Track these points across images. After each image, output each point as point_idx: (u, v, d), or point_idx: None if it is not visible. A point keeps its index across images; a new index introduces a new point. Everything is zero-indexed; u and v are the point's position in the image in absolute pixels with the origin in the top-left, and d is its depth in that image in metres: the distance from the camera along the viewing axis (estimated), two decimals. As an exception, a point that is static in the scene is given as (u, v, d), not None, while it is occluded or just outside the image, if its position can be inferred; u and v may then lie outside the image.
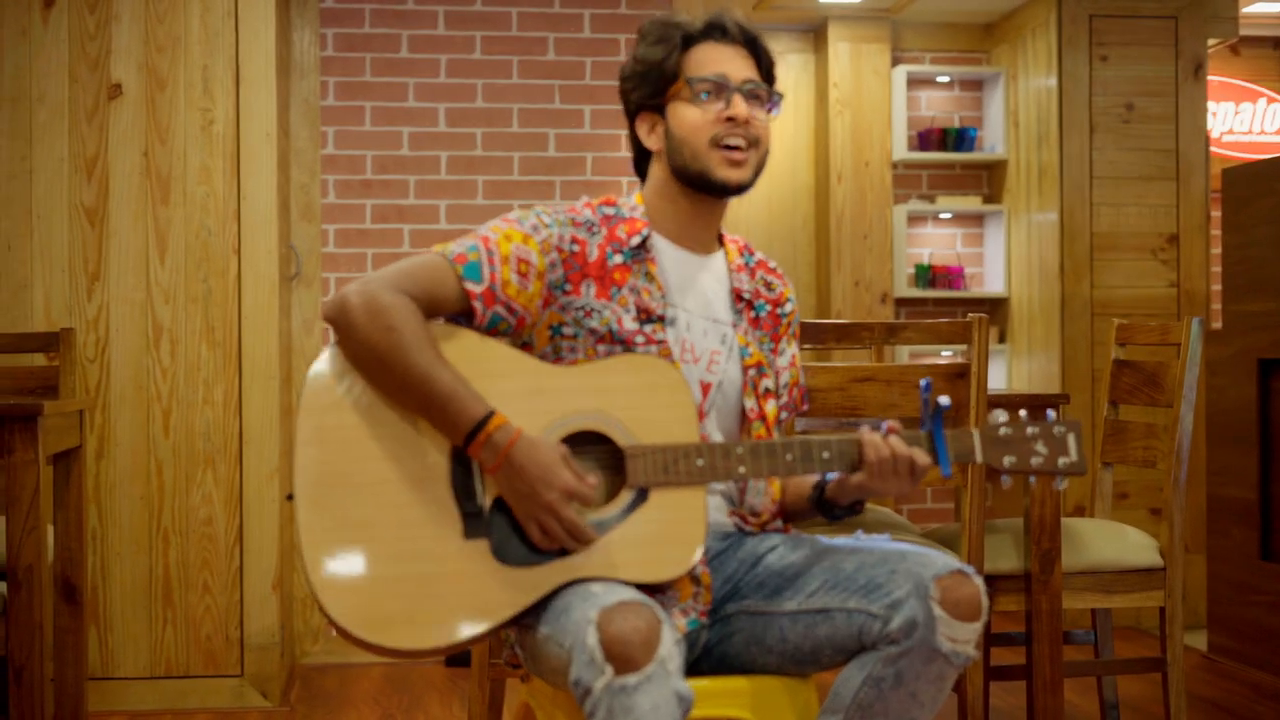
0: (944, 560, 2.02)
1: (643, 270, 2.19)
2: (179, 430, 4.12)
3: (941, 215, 5.90)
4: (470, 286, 2.08)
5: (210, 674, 4.12)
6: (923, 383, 2.14)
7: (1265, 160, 4.68)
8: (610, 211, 2.22)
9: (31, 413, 2.86)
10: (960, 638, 1.98)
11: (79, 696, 3.33)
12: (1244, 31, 6.10)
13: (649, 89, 2.22)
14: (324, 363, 2.04)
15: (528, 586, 1.99)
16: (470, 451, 2.00)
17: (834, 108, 5.75)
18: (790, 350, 2.34)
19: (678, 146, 2.19)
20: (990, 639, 3.53)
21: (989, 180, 5.94)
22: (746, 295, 2.28)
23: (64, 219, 4.11)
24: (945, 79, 5.91)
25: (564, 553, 2.01)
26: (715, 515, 2.21)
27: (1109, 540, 3.28)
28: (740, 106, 2.17)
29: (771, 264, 2.37)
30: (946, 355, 5.63)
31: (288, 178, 4.76)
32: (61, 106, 4.12)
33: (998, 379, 5.68)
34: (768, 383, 2.27)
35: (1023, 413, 2.19)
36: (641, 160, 2.30)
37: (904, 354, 5.65)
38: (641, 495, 2.05)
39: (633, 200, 2.26)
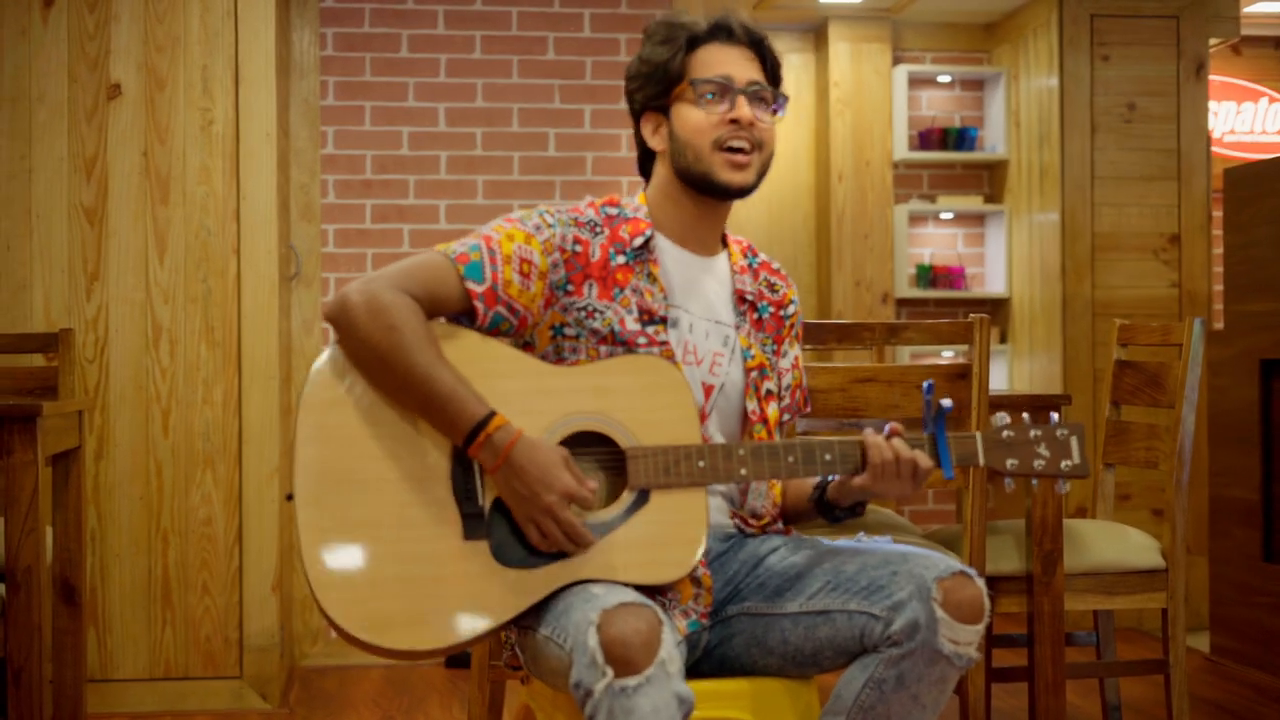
0: (946, 562, 2.01)
1: (645, 271, 2.18)
2: (178, 431, 4.11)
3: (942, 215, 5.89)
4: (472, 286, 2.07)
5: (209, 675, 4.11)
6: (925, 385, 2.14)
7: (1267, 160, 4.67)
8: (613, 211, 2.22)
9: (30, 413, 2.86)
10: (962, 639, 1.97)
11: (78, 698, 3.32)
12: (1245, 31, 6.09)
13: (653, 89, 2.21)
14: (325, 361, 2.04)
15: (528, 588, 1.99)
16: (470, 452, 1.99)
17: (835, 107, 5.74)
18: (793, 352, 2.34)
19: (681, 148, 2.18)
20: (992, 640, 3.53)
21: (990, 180, 5.93)
22: (749, 297, 2.27)
23: (63, 219, 4.10)
24: (946, 79, 5.91)
25: (563, 555, 2.00)
26: (716, 517, 2.21)
27: (1111, 541, 3.27)
28: (744, 109, 2.16)
29: (775, 265, 2.36)
30: (948, 356, 5.63)
31: (287, 178, 4.75)
32: (61, 106, 4.11)
33: (999, 379, 5.67)
34: (770, 385, 2.26)
35: (1025, 415, 2.18)
36: (646, 160, 2.29)
37: (905, 354, 5.64)
38: (643, 497, 2.04)
39: (636, 200, 2.25)
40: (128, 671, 4.09)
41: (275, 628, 4.14)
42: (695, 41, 2.20)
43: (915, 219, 5.88)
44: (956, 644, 1.97)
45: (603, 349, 2.13)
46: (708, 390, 2.19)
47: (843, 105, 5.73)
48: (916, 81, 5.87)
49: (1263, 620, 4.44)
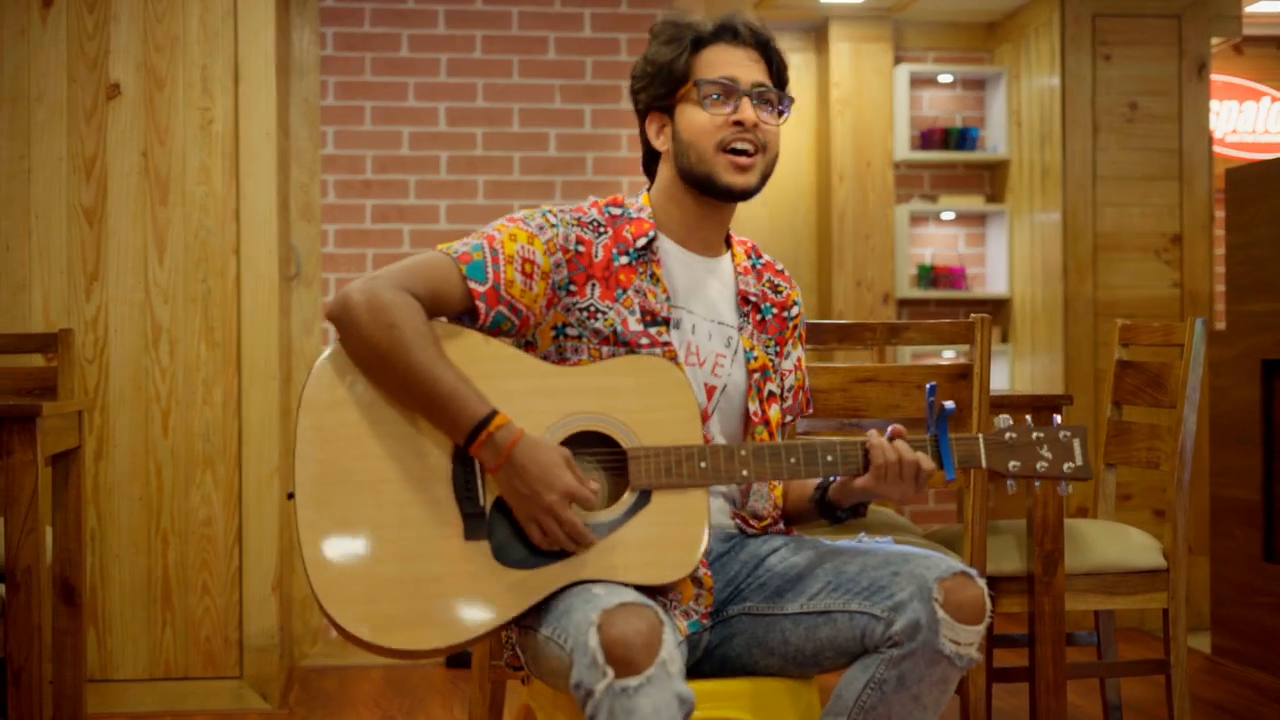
0: (947, 562, 2.01)
1: (648, 272, 2.18)
2: (178, 431, 4.11)
3: (944, 215, 5.89)
4: (474, 286, 2.07)
5: (209, 676, 4.11)
6: (928, 387, 2.13)
7: (1269, 160, 4.66)
8: (617, 212, 2.21)
9: (30, 414, 2.85)
10: (963, 640, 1.97)
11: (78, 698, 3.32)
12: (1247, 31, 6.09)
13: (658, 89, 2.21)
14: (326, 361, 2.03)
15: (528, 588, 1.99)
16: (472, 451, 1.99)
17: (835, 107, 5.73)
18: (796, 353, 2.33)
19: (684, 149, 2.18)
20: (993, 641, 3.52)
21: (991, 180, 5.93)
22: (753, 298, 2.27)
23: (62, 219, 4.10)
24: (947, 78, 5.90)
25: (565, 554, 2.00)
26: (717, 517, 2.20)
27: (1112, 541, 3.26)
28: (748, 111, 2.16)
29: (779, 266, 2.35)
30: (949, 356, 5.62)
31: (287, 177, 4.75)
32: (60, 106, 4.10)
33: (1000, 380, 5.67)
34: (772, 386, 2.25)
35: (1028, 418, 2.18)
36: (650, 160, 2.29)
37: (906, 354, 5.64)
38: (644, 497, 2.03)
39: (640, 201, 2.25)
40: (128, 672, 4.08)
41: (275, 628, 4.14)
42: (700, 42, 2.20)
43: (916, 219, 5.87)
44: (958, 644, 1.97)
45: (605, 349, 2.12)
46: (710, 391, 2.19)
47: (844, 105, 5.73)
48: (918, 81, 5.86)
49: (1264, 620, 4.44)
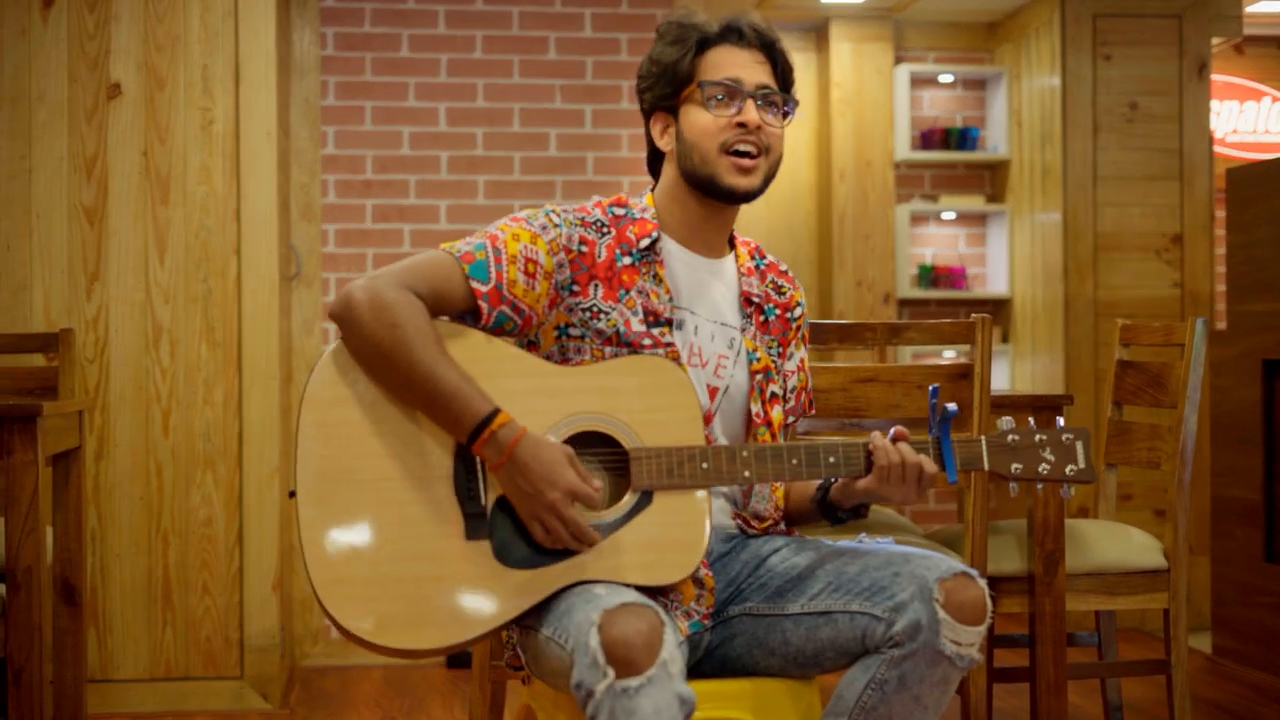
0: (947, 563, 2.01)
1: (651, 273, 2.17)
2: (179, 431, 4.11)
3: (944, 215, 5.88)
4: (476, 285, 2.07)
5: (210, 676, 4.10)
6: (931, 389, 2.13)
7: (1270, 160, 4.66)
8: (621, 212, 2.21)
9: (31, 413, 2.85)
10: (964, 641, 1.97)
11: (78, 698, 3.32)
12: (1248, 31, 6.08)
13: (663, 90, 2.21)
14: (328, 359, 2.04)
15: (529, 588, 1.99)
16: (474, 448, 1.99)
17: (836, 107, 5.73)
18: (799, 354, 2.33)
19: (688, 150, 2.18)
20: (993, 641, 3.52)
21: (992, 180, 5.92)
22: (756, 299, 2.27)
23: (63, 219, 4.10)
24: (948, 78, 5.90)
25: (566, 554, 2.00)
26: (719, 517, 2.20)
27: (1113, 542, 3.26)
28: (752, 113, 2.16)
29: (783, 267, 2.35)
30: (949, 356, 5.62)
31: (288, 177, 4.74)
32: (61, 106, 4.10)
33: (1001, 380, 5.66)
34: (774, 388, 2.25)
35: (1031, 420, 2.18)
36: (655, 160, 2.29)
37: (907, 354, 5.64)
38: (646, 498, 2.03)
39: (644, 201, 2.24)
40: (128, 672, 4.08)
41: (276, 628, 4.13)
42: (706, 43, 2.20)
43: (917, 219, 5.87)
44: (958, 645, 1.97)
45: (608, 350, 2.12)
46: (712, 392, 2.19)
47: (844, 105, 5.73)
48: (918, 81, 5.86)
49: (1264, 620, 4.43)
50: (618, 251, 2.17)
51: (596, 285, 2.14)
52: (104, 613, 4.07)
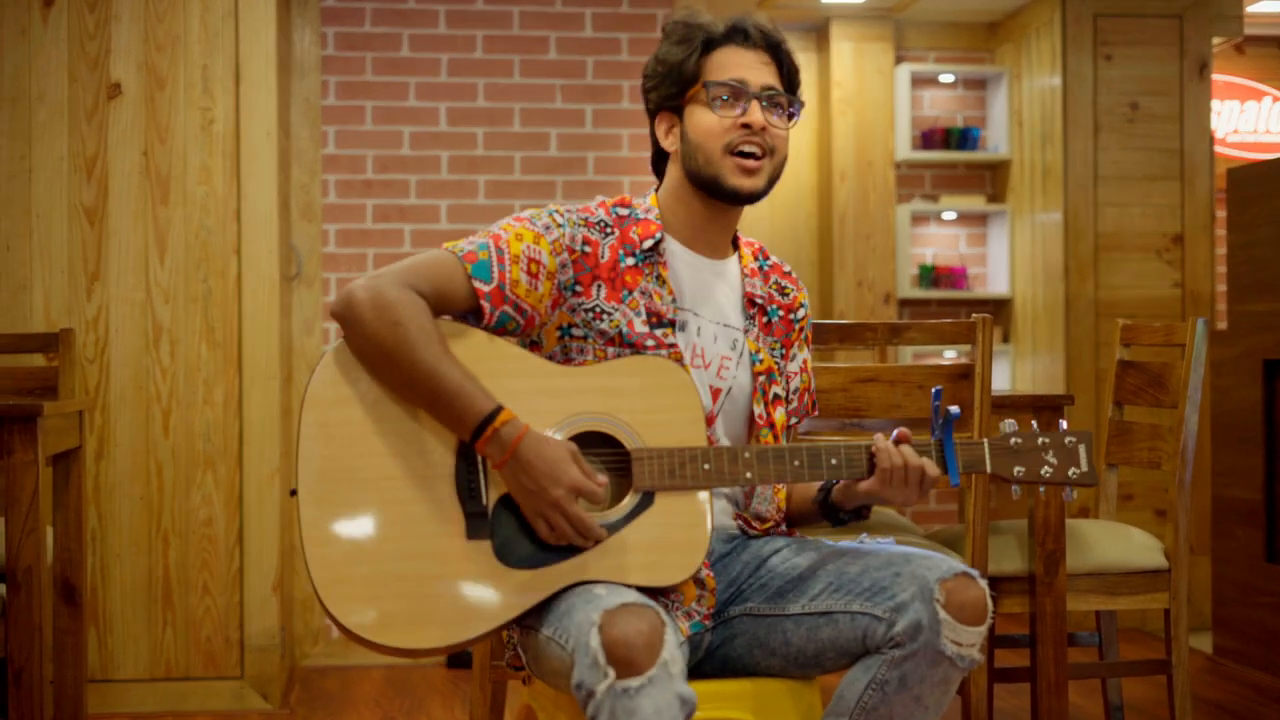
0: (948, 563, 2.00)
1: (654, 274, 2.17)
2: (179, 431, 4.10)
3: (945, 215, 5.88)
4: (479, 285, 2.06)
5: (210, 676, 4.10)
6: (934, 391, 2.13)
7: (1270, 160, 4.66)
8: (624, 212, 2.21)
9: (31, 413, 2.85)
10: (965, 641, 1.97)
11: (78, 698, 3.32)
12: (1249, 30, 6.08)
13: (668, 90, 2.20)
14: (330, 358, 2.03)
15: (530, 588, 1.98)
16: (477, 446, 1.98)
17: (837, 107, 5.73)
18: (802, 356, 2.33)
19: (692, 150, 2.17)
20: (994, 641, 3.52)
21: (993, 180, 5.92)
22: (759, 300, 2.26)
23: (63, 219, 4.10)
24: (949, 78, 5.90)
25: (567, 554, 2.00)
26: (720, 518, 2.20)
27: (1114, 542, 3.26)
28: (756, 114, 2.16)
29: (787, 268, 2.35)
30: (950, 356, 5.62)
31: (288, 177, 4.74)
32: (61, 106, 4.10)
33: (1001, 380, 5.66)
34: (777, 389, 2.25)
35: (1034, 423, 2.18)
36: (659, 160, 2.29)
37: (907, 354, 5.63)
38: (647, 498, 2.03)
39: (647, 202, 2.24)
40: (128, 672, 4.08)
41: (276, 628, 4.13)
42: (711, 43, 2.19)
43: (917, 219, 5.87)
44: (959, 645, 1.97)
45: (610, 350, 2.12)
46: (715, 394, 2.19)
47: (845, 105, 5.72)
48: (919, 81, 5.86)
49: (1265, 620, 4.43)
50: (621, 252, 2.16)
51: (599, 286, 2.14)
52: (104, 613, 4.07)
